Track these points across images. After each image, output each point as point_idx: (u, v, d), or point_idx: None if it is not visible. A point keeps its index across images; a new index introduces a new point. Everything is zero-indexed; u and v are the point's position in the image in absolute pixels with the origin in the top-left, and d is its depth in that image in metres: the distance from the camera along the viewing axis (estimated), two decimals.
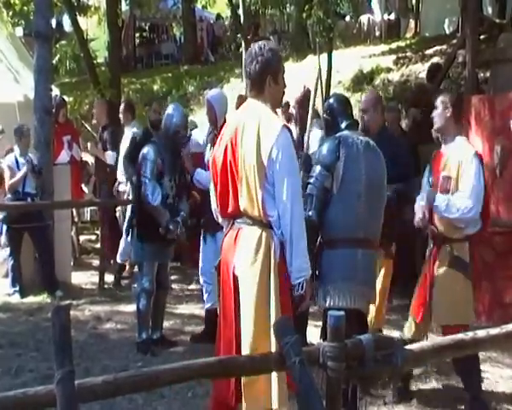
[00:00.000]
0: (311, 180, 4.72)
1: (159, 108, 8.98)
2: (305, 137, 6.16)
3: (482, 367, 5.57)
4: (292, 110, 6.59)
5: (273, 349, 3.49)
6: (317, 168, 4.69)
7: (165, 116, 6.38)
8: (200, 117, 14.45)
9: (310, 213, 4.60)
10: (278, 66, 3.84)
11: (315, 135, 6.22)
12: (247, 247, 3.69)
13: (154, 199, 6.15)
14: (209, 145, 6.52)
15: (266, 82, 3.78)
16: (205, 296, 6.75)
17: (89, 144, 10.00)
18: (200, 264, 6.76)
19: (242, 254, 3.71)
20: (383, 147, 4.97)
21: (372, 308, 5.22)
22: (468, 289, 4.87)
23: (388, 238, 5.33)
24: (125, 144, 8.91)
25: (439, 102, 4.93)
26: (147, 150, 6.22)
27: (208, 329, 6.32)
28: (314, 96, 5.19)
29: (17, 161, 8.40)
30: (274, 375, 3.51)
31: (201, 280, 6.78)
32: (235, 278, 3.72)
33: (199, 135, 6.99)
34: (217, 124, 6.32)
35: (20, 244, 8.37)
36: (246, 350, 3.62)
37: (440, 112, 4.91)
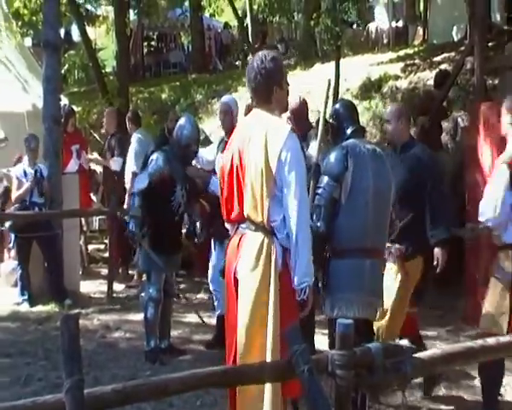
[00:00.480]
0: (319, 191, 4.70)
1: (175, 117, 9.03)
2: (310, 148, 6.13)
3: None
4: (287, 121, 6.50)
5: (268, 358, 3.51)
6: (325, 179, 4.68)
7: (178, 127, 6.39)
8: (208, 125, 14.49)
9: (318, 223, 4.59)
10: (282, 73, 3.88)
11: (312, 146, 6.17)
12: (249, 252, 3.71)
13: (138, 185, 6.20)
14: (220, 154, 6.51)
15: (273, 92, 3.82)
16: (215, 304, 6.76)
17: (93, 155, 10.04)
18: (210, 271, 6.76)
19: (244, 259, 3.73)
20: (405, 160, 4.96)
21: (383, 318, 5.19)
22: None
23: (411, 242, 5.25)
24: (130, 155, 8.97)
25: None
26: (156, 157, 6.25)
27: (220, 335, 6.30)
28: (325, 106, 5.16)
29: (25, 172, 8.42)
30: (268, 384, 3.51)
31: (211, 288, 6.80)
32: (237, 283, 3.74)
33: (207, 152, 6.88)
34: (233, 129, 6.34)
35: (28, 253, 8.39)
36: (239, 356, 3.63)
37: None
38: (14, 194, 8.43)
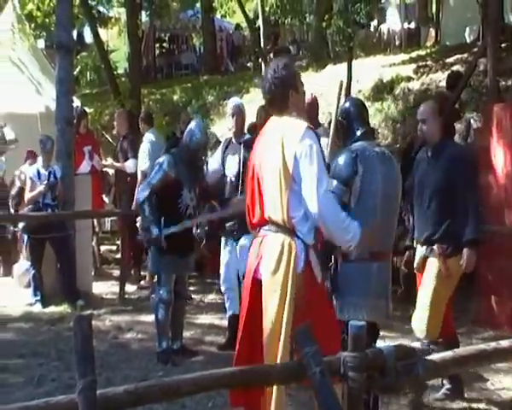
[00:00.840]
0: None
1: (187, 118, 9.06)
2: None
3: (503, 378, 5.55)
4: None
5: (279, 359, 3.56)
6: (334, 183, 4.66)
7: (187, 131, 6.42)
8: (219, 127, 14.52)
9: None
10: (296, 78, 3.95)
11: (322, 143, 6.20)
12: (270, 254, 3.76)
13: (140, 196, 6.22)
14: (225, 154, 6.61)
15: (289, 97, 3.88)
16: (227, 304, 6.76)
17: (107, 160, 10.07)
18: (222, 270, 6.76)
19: (266, 261, 3.77)
20: (441, 158, 4.94)
21: (423, 317, 5.18)
22: None
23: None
24: (142, 154, 9.00)
25: None
26: (162, 160, 6.28)
27: (233, 336, 6.39)
28: (337, 107, 5.15)
29: (39, 173, 8.47)
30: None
31: (223, 288, 6.80)
32: (259, 286, 3.77)
33: (212, 163, 6.86)
34: (243, 130, 6.52)
35: (41, 254, 8.43)
36: (265, 359, 3.66)
37: None
38: (27, 195, 8.48)
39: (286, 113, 3.87)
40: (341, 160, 4.69)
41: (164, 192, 6.16)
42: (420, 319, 5.22)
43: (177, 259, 6.27)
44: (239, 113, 6.66)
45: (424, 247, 5.28)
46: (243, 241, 6.28)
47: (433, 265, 5.20)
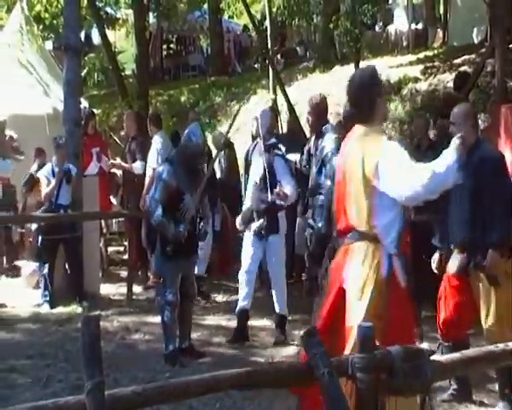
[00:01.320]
0: (323, 191, 4.72)
1: (196, 116, 9.08)
2: (324, 141, 6.27)
3: None
4: (308, 117, 6.66)
5: None
6: (328, 182, 4.68)
7: (185, 135, 6.47)
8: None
9: (319, 224, 4.62)
10: (380, 85, 4.13)
11: (329, 138, 6.25)
12: (355, 262, 3.83)
13: (156, 217, 6.18)
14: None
15: (376, 104, 3.98)
16: (240, 295, 6.93)
17: (116, 160, 10.07)
18: (245, 262, 6.90)
19: (350, 269, 3.84)
20: (472, 164, 4.93)
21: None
22: None
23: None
24: (152, 154, 9.00)
25: None
26: (162, 169, 6.31)
27: (242, 329, 6.87)
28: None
29: (53, 171, 8.48)
30: None
31: (241, 278, 6.94)
32: (344, 294, 3.84)
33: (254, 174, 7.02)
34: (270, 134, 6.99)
35: (55, 255, 8.43)
36: None
37: None
38: (43, 191, 8.49)
39: (371, 120, 3.96)
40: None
41: (166, 201, 6.19)
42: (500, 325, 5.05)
43: (182, 260, 6.29)
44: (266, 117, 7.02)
45: (462, 252, 5.17)
46: (273, 238, 6.71)
47: (492, 270, 5.07)
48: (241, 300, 6.92)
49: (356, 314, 3.73)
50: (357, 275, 3.80)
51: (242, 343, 6.86)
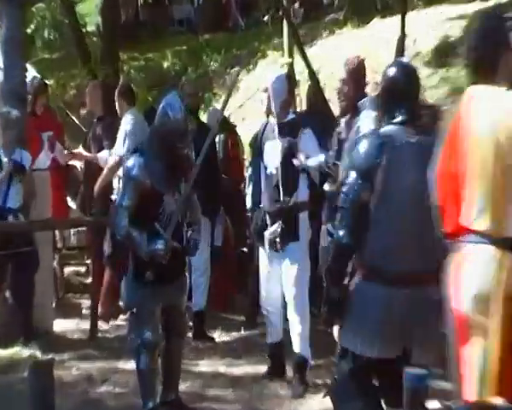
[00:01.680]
0: (345, 189, 4.71)
1: (194, 89, 9.07)
2: (360, 120, 6.30)
3: None
4: (341, 87, 6.67)
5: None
6: (352, 174, 4.68)
7: (159, 109, 6.48)
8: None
9: (340, 232, 4.62)
10: (509, 33, 4.01)
11: (367, 116, 6.25)
12: (474, 274, 3.85)
13: (121, 229, 6.22)
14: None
15: (500, 58, 3.97)
16: (268, 330, 7.19)
17: (77, 149, 10.09)
18: (263, 289, 7.11)
19: (467, 284, 3.85)
20: None
21: None
22: None
23: None
24: (120, 134, 8.95)
25: None
26: (131, 164, 6.25)
27: (274, 365, 7.18)
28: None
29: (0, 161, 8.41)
30: None
31: (264, 312, 7.21)
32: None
33: (271, 159, 7.08)
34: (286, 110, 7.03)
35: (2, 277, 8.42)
36: None
37: None
38: None
39: (494, 78, 3.95)
40: (362, 146, 4.76)
41: (139, 207, 6.17)
42: None
43: (162, 286, 6.25)
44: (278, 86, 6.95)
45: None
46: (291, 248, 6.79)
47: None
48: (269, 335, 7.20)
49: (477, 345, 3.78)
50: (477, 292, 3.81)
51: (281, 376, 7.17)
